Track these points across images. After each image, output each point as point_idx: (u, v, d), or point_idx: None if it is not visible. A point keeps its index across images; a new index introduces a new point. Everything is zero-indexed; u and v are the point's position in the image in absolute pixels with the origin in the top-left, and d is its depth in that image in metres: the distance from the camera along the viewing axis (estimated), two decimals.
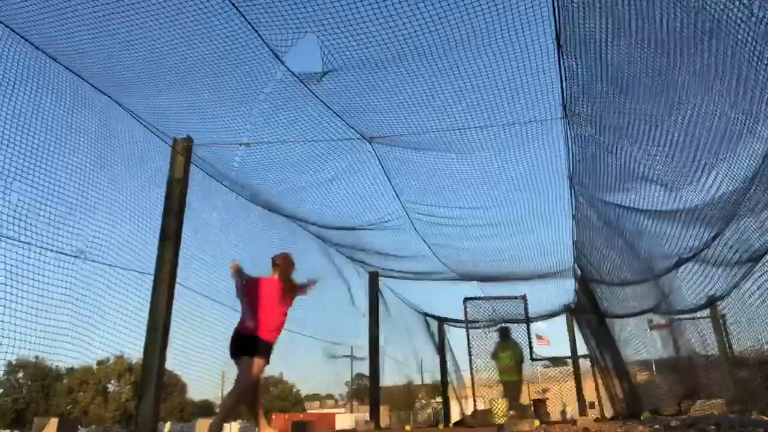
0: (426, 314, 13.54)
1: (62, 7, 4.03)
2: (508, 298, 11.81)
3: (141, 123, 5.65)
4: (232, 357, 5.14)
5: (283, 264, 5.43)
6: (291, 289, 5.35)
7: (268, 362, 5.17)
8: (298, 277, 5.58)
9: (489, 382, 11.72)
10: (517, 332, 11.63)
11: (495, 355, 10.83)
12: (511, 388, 10.24)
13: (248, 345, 5.05)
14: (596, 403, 12.96)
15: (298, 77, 4.89)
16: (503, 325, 11.08)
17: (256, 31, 4.32)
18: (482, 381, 11.79)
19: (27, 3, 4.02)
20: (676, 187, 4.47)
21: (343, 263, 10.04)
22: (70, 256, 4.74)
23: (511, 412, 8.73)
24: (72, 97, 4.95)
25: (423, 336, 13.70)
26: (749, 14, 2.60)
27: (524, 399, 10.72)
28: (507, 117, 5.34)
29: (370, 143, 6.07)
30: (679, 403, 6.75)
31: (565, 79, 4.82)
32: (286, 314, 5.34)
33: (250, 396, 5.17)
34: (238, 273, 5.38)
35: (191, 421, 42.19)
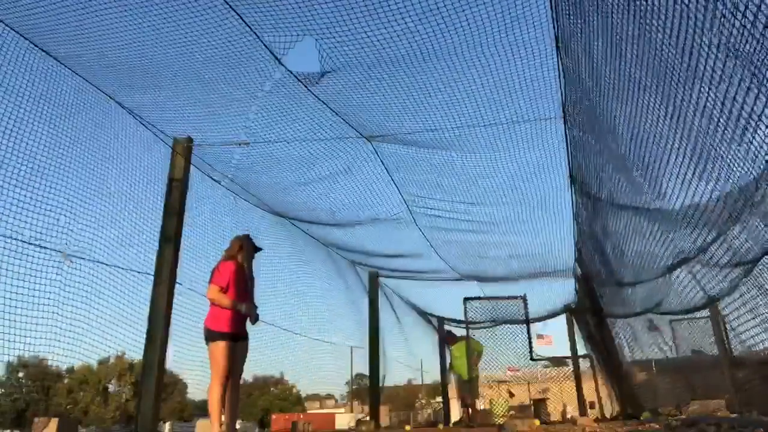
0: (426, 314, 13.54)
1: (63, 6, 4.03)
2: (508, 298, 11.80)
3: (141, 123, 5.65)
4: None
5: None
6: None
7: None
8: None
9: (489, 382, 11.71)
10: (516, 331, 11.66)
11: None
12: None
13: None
14: (596, 403, 12.96)
15: (297, 77, 4.89)
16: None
17: (255, 33, 4.31)
18: (482, 381, 11.78)
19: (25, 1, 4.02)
20: (675, 186, 4.46)
21: (344, 265, 10.05)
22: (59, 252, 4.72)
23: (512, 412, 8.73)
24: (70, 95, 4.95)
25: (423, 336, 13.71)
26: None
27: (524, 399, 10.69)
28: (508, 116, 5.34)
29: (371, 142, 6.06)
30: (678, 403, 6.75)
31: (565, 80, 4.82)
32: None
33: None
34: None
35: (191, 421, 42.13)
